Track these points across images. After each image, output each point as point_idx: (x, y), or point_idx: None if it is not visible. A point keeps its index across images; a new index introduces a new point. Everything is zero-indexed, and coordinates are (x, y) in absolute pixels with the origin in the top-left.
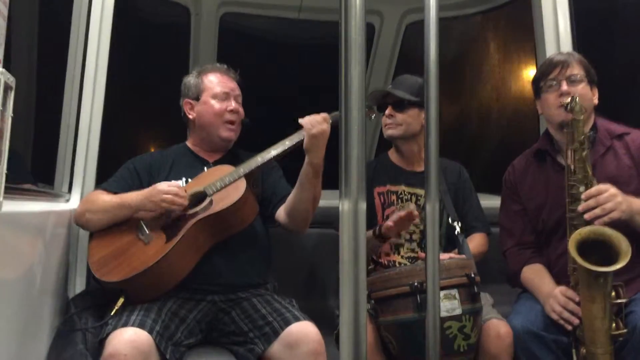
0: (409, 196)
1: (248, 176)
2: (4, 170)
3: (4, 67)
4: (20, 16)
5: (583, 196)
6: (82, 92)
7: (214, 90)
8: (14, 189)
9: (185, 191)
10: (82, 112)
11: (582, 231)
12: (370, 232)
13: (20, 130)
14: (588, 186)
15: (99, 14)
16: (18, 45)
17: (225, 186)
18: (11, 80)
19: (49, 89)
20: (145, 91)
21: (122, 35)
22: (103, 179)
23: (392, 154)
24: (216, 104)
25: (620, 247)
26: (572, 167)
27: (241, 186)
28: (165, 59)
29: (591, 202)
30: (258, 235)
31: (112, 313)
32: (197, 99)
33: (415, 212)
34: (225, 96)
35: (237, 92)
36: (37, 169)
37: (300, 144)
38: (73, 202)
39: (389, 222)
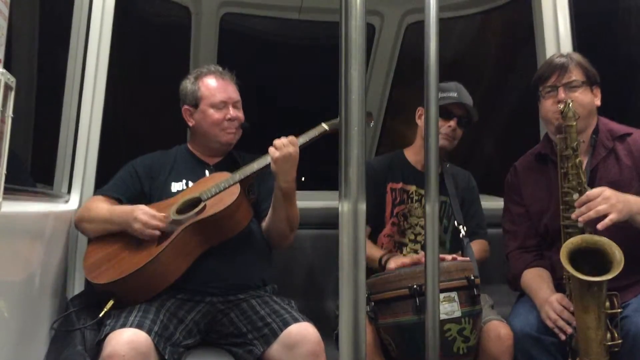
0: (419, 197)
1: (243, 182)
2: (4, 171)
3: (4, 67)
4: (20, 16)
5: (576, 204)
6: (82, 92)
7: (212, 100)
8: (13, 190)
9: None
10: (82, 112)
11: (574, 240)
12: (377, 255)
13: (20, 130)
14: (582, 193)
15: (100, 14)
16: (18, 46)
17: (220, 192)
18: (11, 80)
19: (49, 89)
20: (145, 91)
21: (123, 35)
22: (103, 180)
23: (409, 153)
24: (214, 114)
25: (614, 255)
26: (566, 173)
27: (235, 192)
28: (165, 59)
29: (584, 209)
30: (256, 238)
31: (100, 314)
32: (195, 106)
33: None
34: (223, 105)
35: (235, 97)
36: (36, 170)
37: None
38: (72, 203)
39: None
